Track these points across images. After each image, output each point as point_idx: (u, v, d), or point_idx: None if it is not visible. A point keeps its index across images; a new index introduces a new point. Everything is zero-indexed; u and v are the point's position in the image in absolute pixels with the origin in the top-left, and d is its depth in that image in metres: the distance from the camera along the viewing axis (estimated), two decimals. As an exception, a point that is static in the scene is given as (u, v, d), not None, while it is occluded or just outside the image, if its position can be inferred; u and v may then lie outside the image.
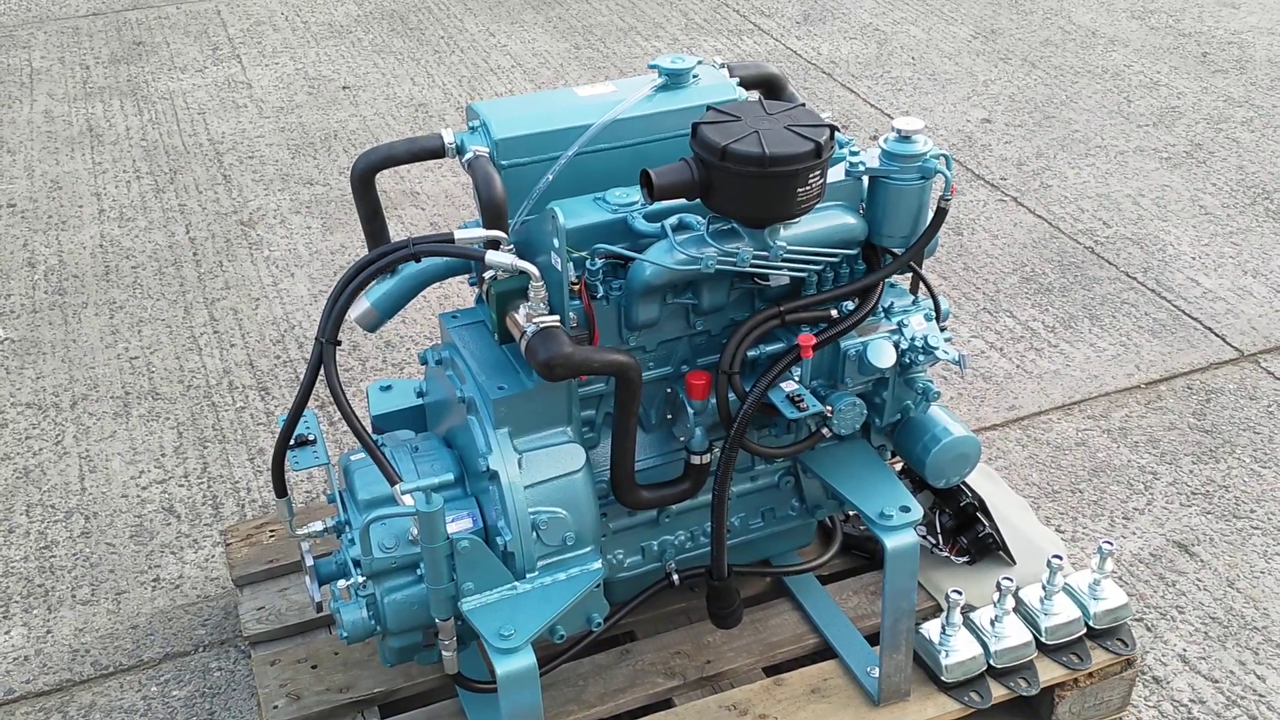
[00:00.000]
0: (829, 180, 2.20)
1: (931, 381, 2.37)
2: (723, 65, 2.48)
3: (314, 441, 2.30)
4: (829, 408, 2.27)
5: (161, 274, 4.27)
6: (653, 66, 2.37)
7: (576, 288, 2.14)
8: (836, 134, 2.43)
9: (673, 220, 2.17)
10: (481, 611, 2.09)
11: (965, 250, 4.32)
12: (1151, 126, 5.10)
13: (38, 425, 3.54)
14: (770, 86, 2.56)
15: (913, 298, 2.38)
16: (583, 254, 2.16)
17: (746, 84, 2.49)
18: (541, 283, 2.06)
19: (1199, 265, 4.17)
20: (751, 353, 2.24)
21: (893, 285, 2.40)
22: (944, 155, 2.23)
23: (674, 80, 2.35)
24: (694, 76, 2.38)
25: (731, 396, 2.22)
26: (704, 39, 6.05)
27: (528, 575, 2.16)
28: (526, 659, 2.04)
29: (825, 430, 2.30)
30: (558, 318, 2.06)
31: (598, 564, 2.20)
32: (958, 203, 4.60)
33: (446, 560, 2.06)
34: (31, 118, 5.40)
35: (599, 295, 2.17)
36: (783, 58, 5.84)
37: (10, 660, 2.79)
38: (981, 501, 2.69)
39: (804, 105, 2.17)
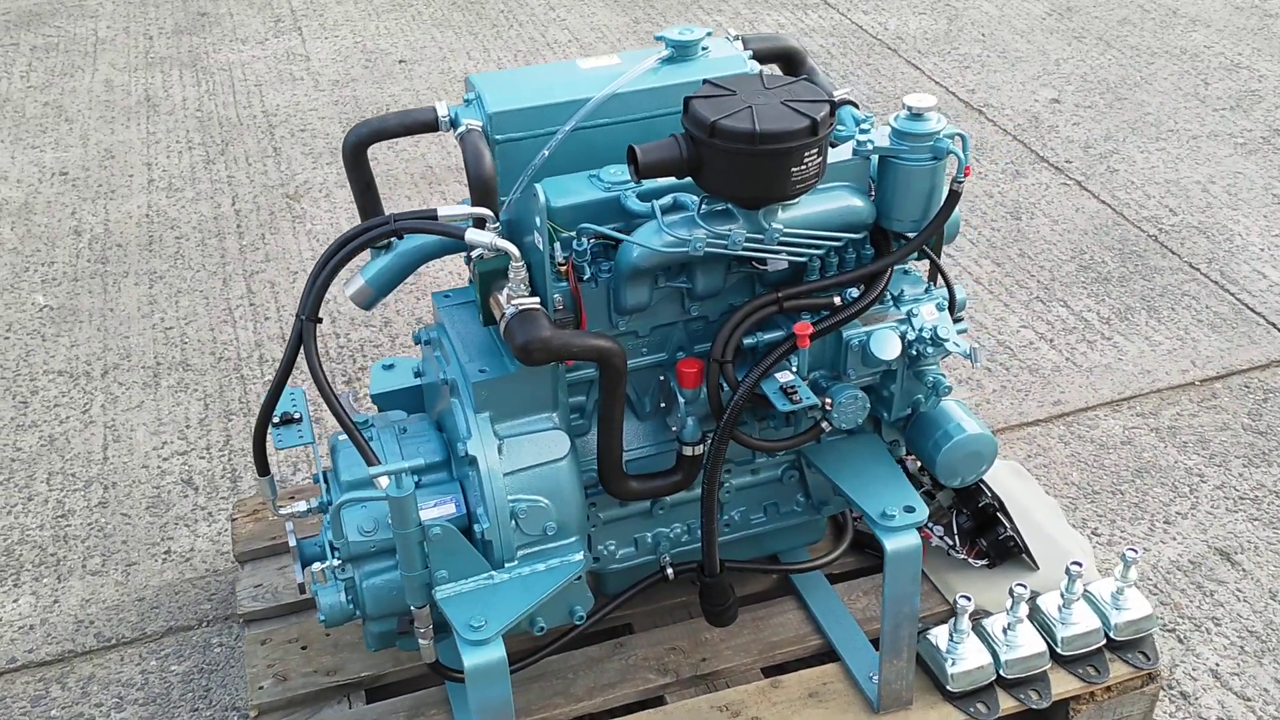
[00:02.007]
0: (834, 159, 2.09)
1: (944, 375, 2.24)
2: (737, 37, 2.37)
3: (299, 420, 2.25)
4: (828, 400, 2.15)
5: (204, 245, 4.28)
6: (659, 38, 2.27)
7: (564, 269, 2.05)
8: (853, 109, 2.31)
9: (666, 200, 2.07)
10: (455, 600, 2.03)
11: (1023, 235, 4.14)
12: (1228, 110, 4.84)
13: (67, 393, 3.56)
14: (788, 60, 2.44)
15: (925, 285, 2.25)
16: (571, 234, 2.07)
17: (761, 57, 2.38)
18: (522, 263, 1.98)
19: (1267, 257, 3.94)
20: (749, 340, 2.13)
21: (906, 272, 2.27)
22: (959, 134, 2.09)
23: (681, 52, 2.25)
24: (703, 49, 2.27)
25: (724, 386, 2.11)
26: (767, 13, 5.90)
27: (506, 565, 2.09)
28: (496, 652, 1.97)
29: (825, 424, 2.19)
30: (538, 300, 1.98)
31: (579, 555, 2.11)
32: (1019, 186, 4.42)
33: (419, 547, 1.99)
34: (92, 86, 5.46)
35: (586, 277, 2.08)
36: (847, 33, 5.68)
37: (15, 629, 2.81)
38: (1001, 503, 2.55)
39: (806, 79, 2.05)
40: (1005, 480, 2.82)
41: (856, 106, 2.34)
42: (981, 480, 2.53)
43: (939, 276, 2.26)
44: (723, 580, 2.28)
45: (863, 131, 2.12)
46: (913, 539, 2.16)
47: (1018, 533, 2.55)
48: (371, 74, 5.51)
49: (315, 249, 4.23)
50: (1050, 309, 3.76)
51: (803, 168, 1.92)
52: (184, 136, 5.02)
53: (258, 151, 4.89)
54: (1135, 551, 2.35)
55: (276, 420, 2.24)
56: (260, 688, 2.39)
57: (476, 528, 2.07)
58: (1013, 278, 3.92)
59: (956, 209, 2.29)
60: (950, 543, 2.56)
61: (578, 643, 2.39)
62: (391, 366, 2.56)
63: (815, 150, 1.92)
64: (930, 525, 2.57)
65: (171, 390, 3.56)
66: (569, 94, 2.17)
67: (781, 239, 2.03)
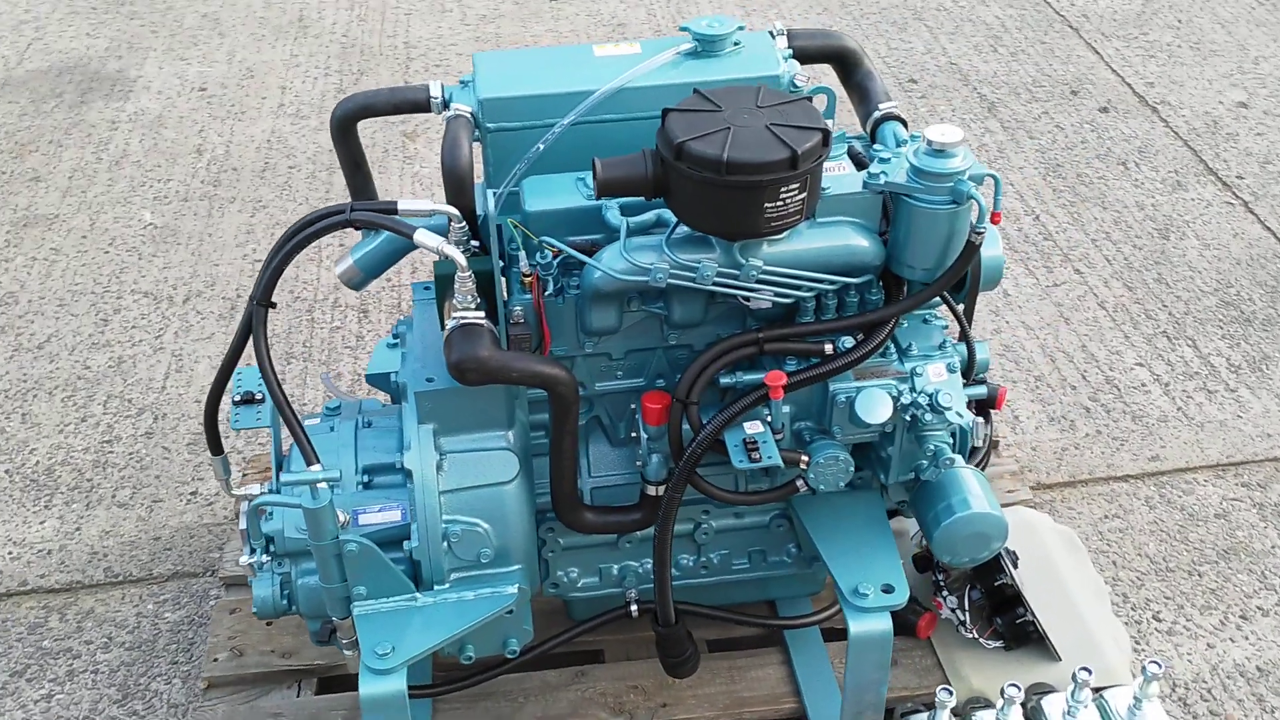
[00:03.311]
0: (841, 191, 1.85)
1: (948, 444, 1.97)
2: (781, 33, 2.12)
3: (261, 401, 2.17)
4: (805, 458, 1.92)
5: (313, 178, 4.27)
6: (684, 29, 2.05)
7: (528, 280, 1.89)
8: (898, 127, 2.06)
9: (646, 217, 1.87)
10: (369, 619, 1.92)
11: (1166, 258, 3.72)
12: None
13: (146, 316, 3.62)
14: (841, 61, 2.19)
15: (941, 340, 1.98)
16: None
17: (806, 57, 2.13)
18: (469, 273, 1.82)
19: None
20: (727, 379, 1.92)
21: (926, 321, 2.00)
22: (991, 175, 1.81)
23: (706, 47, 2.03)
24: (734, 44, 2.05)
25: (687, 428, 1.92)
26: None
27: (436, 587, 1.96)
28: (395, 684, 1.86)
29: (800, 484, 1.96)
30: (483, 314, 1.82)
31: (514, 588, 1.97)
32: (1175, 200, 3.96)
33: (336, 560, 1.89)
34: (251, 2, 5.51)
35: (550, 291, 1.90)
36: (1028, 4, 5.21)
37: (35, 551, 2.87)
38: (1017, 587, 2.26)
39: (807, 99, 1.80)
40: (1052, 549, 2.53)
41: (904, 124, 2.08)
42: (1005, 554, 2.26)
43: (962, 330, 1.99)
44: (679, 631, 2.10)
45: (882, 160, 1.86)
46: (883, 623, 1.93)
47: (1037, 618, 2.26)
48: (520, 10, 5.38)
49: (416, 193, 4.16)
50: (1175, 348, 3.36)
51: (779, 204, 1.69)
52: (324, 62, 5.02)
53: (389, 84, 4.84)
54: (1160, 666, 2.05)
55: (238, 398, 2.16)
56: (215, 660, 2.36)
57: (406, 545, 1.95)
58: (1142, 306, 3.52)
59: (1001, 254, 2.02)
60: (961, 618, 2.30)
61: (538, 664, 2.27)
62: (397, 344, 2.45)
63: (796, 186, 1.69)
64: (944, 595, 2.32)
65: (241, 325, 3.56)
66: (572, 84, 1.99)
67: (761, 276, 1.80)
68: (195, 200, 4.16)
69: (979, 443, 2.00)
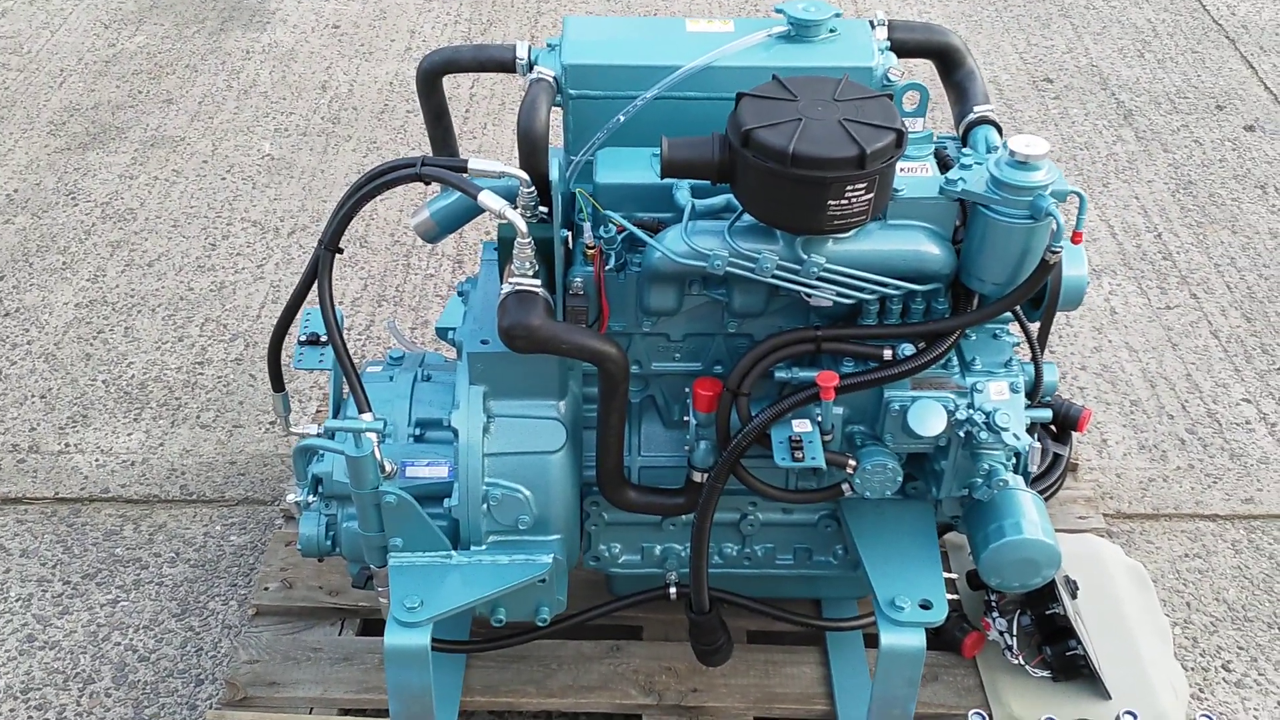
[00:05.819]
0: (916, 195, 1.79)
1: (1003, 464, 1.90)
2: (883, 23, 2.06)
3: (326, 343, 2.20)
4: (852, 463, 1.88)
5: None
6: (779, 11, 2.00)
7: (591, 252, 1.87)
8: (991, 132, 1.98)
9: (716, 201, 1.84)
10: (403, 571, 1.94)
11: (1296, 289, 3.53)
12: None
13: (251, 245, 3.71)
14: (942, 58, 2.11)
15: (1008, 357, 1.90)
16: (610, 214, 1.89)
17: (905, 50, 2.06)
18: (529, 239, 1.81)
19: None
20: (783, 374, 1.88)
21: (996, 336, 1.93)
22: (1076, 192, 1.73)
23: (800, 31, 1.98)
24: (830, 30, 1.99)
25: (736, 419, 1.88)
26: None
27: (472, 547, 1.98)
28: (420, 639, 1.87)
29: (846, 488, 1.92)
30: (539, 282, 1.82)
31: (548, 557, 1.97)
32: (1314, 230, 3.75)
33: (375, 509, 1.91)
34: (396, -57, 5.58)
35: (612, 266, 1.89)
36: (1184, 10, 4.97)
37: (119, 461, 2.97)
38: (1069, 619, 2.18)
39: (888, 97, 1.74)
40: (1119, 582, 2.44)
41: (999, 129, 2.00)
42: (1063, 583, 2.18)
43: (1031, 350, 1.92)
44: (712, 619, 2.08)
45: (963, 166, 1.79)
46: (915, 639, 1.88)
47: (1090, 653, 2.18)
48: (657, -26, 5.34)
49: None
50: (1289, 386, 3.20)
51: (844, 203, 1.64)
52: (456, 9, 5.06)
53: (515, 38, 4.85)
54: (1210, 718, 1.96)
55: (303, 339, 2.20)
56: (266, 589, 2.42)
57: (446, 502, 1.97)
58: (1259, 339, 3.35)
59: (1085, 274, 1.94)
60: (1009, 643, 2.23)
61: (575, 633, 2.27)
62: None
63: (863, 185, 1.63)
64: (993, 616, 2.25)
65: (340, 263, 3.62)
66: (658, 57, 1.97)
67: (822, 274, 1.75)
68: (313, 135, 4.24)
69: (1034, 467, 1.92)
